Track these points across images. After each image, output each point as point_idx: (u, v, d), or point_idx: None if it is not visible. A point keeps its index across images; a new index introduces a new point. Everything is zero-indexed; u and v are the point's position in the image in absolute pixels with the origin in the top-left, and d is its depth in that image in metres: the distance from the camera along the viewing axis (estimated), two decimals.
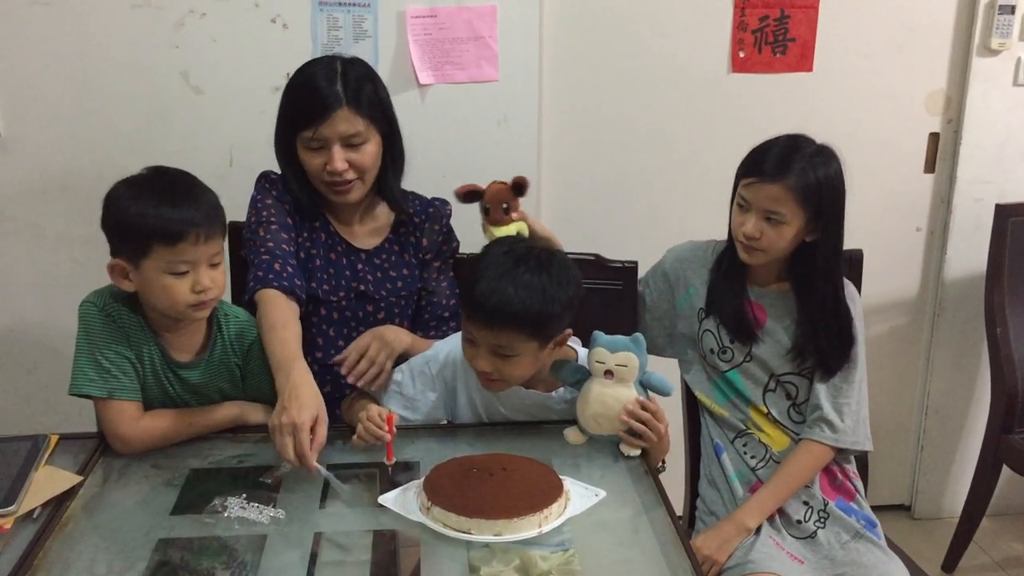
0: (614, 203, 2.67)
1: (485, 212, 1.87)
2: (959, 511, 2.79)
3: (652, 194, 2.68)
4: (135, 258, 1.60)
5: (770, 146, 1.83)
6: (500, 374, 1.66)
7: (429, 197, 2.07)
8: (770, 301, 1.93)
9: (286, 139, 1.90)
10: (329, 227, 1.98)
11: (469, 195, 1.88)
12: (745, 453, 1.95)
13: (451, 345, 1.82)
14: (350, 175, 1.87)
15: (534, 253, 1.65)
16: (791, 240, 1.83)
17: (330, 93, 1.82)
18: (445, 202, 2.08)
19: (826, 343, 1.88)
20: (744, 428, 1.96)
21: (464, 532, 1.40)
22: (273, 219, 1.90)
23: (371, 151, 1.88)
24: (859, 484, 1.98)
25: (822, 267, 1.86)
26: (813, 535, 1.88)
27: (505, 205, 1.85)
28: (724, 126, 2.62)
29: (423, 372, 1.82)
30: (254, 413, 1.77)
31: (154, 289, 1.61)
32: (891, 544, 1.92)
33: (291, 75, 1.91)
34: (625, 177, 2.65)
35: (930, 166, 2.77)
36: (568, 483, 1.53)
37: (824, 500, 1.90)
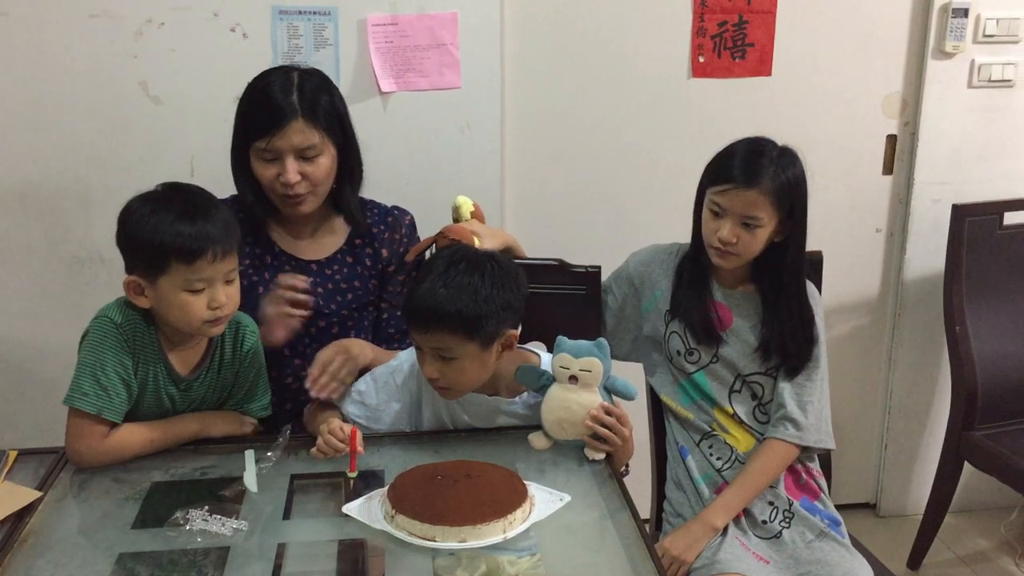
0: (577, 208, 2.68)
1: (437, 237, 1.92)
2: (923, 508, 2.81)
3: (615, 199, 2.69)
4: (151, 275, 1.60)
5: (734, 151, 1.85)
6: (447, 379, 1.66)
7: (388, 205, 2.06)
8: (735, 302, 1.95)
9: (240, 148, 1.88)
10: (274, 248, 1.96)
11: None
12: (711, 455, 1.97)
13: (416, 355, 1.82)
14: (303, 187, 1.85)
15: (469, 256, 1.66)
16: (764, 243, 1.86)
17: (285, 104, 1.81)
18: (404, 211, 2.07)
19: (791, 342, 1.90)
20: (709, 430, 1.97)
21: (429, 539, 1.40)
22: None
23: (325, 164, 1.87)
24: (823, 483, 2.00)
25: (790, 266, 1.89)
26: (778, 535, 1.89)
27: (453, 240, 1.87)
28: (686, 130, 2.64)
29: (387, 383, 1.81)
30: (216, 425, 1.75)
31: (171, 306, 1.61)
32: (855, 542, 1.95)
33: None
34: (588, 182, 2.67)
35: (888, 168, 2.80)
36: (533, 488, 1.53)
37: (789, 500, 1.92)
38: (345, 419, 1.75)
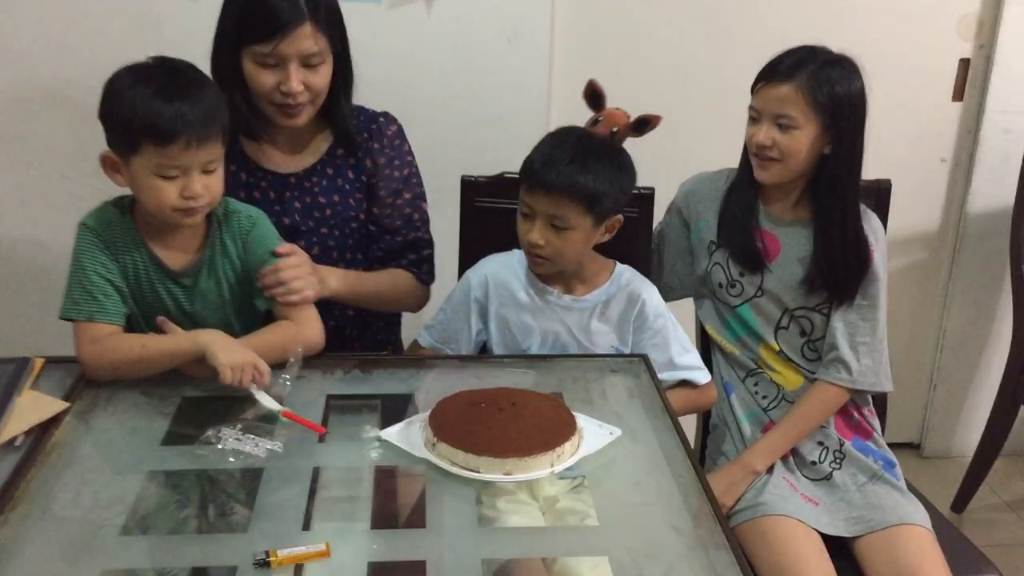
0: None
1: (593, 123, 1.77)
2: (969, 451, 2.75)
3: (673, 119, 2.53)
4: (125, 153, 1.50)
5: (786, 54, 1.74)
6: (551, 248, 1.64)
7: (375, 110, 1.90)
8: (784, 231, 1.84)
9: (230, 52, 1.72)
10: (248, 163, 1.83)
11: (594, 96, 1.79)
12: (756, 392, 1.88)
13: (480, 270, 1.78)
14: (304, 97, 1.71)
15: (598, 138, 1.69)
16: (806, 150, 1.72)
17: (292, 5, 1.65)
18: (392, 119, 1.90)
19: (841, 271, 1.79)
20: (754, 367, 1.88)
21: (472, 471, 1.32)
22: None
23: (326, 73, 1.73)
24: (876, 423, 1.92)
25: (832, 182, 1.76)
26: (828, 476, 1.81)
27: (615, 129, 1.73)
28: (747, 45, 2.46)
29: (464, 301, 1.77)
30: (224, 350, 1.50)
31: (141, 189, 1.51)
32: (909, 486, 1.86)
33: None
34: (643, 101, 2.51)
35: (958, 94, 2.65)
36: (581, 420, 1.45)
37: (840, 440, 1.84)
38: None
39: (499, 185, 1.98)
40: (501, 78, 2.41)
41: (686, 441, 1.45)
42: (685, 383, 1.77)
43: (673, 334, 1.77)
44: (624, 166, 1.68)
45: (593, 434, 1.44)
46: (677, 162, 2.03)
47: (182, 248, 1.62)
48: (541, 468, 1.33)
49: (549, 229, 1.64)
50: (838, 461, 1.82)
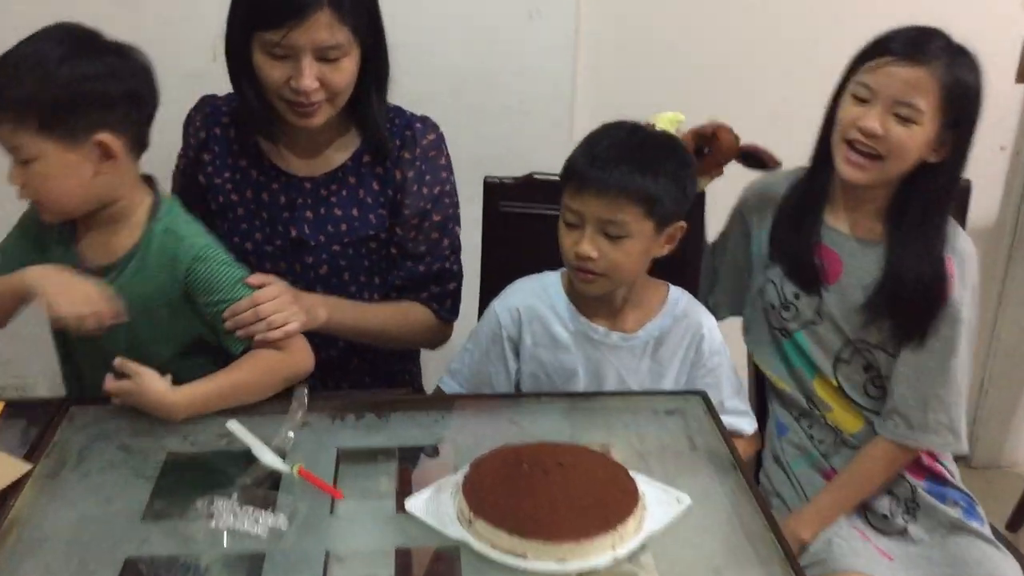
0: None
1: (700, 152, 1.59)
2: (1022, 461, 2.53)
3: (712, 106, 2.31)
4: None
5: (909, 31, 1.46)
6: (605, 262, 1.40)
7: (416, 114, 1.65)
8: (849, 250, 1.57)
9: (239, 37, 1.49)
10: (262, 161, 1.60)
11: (700, 143, 1.60)
12: (812, 437, 1.65)
13: (508, 302, 1.53)
14: (319, 96, 1.47)
15: (653, 131, 1.48)
16: (917, 151, 1.44)
17: None
18: (431, 124, 1.65)
19: (910, 305, 1.51)
20: (807, 406, 1.65)
21: (519, 555, 1.10)
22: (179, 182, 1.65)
23: (348, 68, 1.48)
24: (951, 465, 1.67)
25: (928, 199, 1.48)
26: (903, 532, 1.59)
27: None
28: (798, 26, 2.25)
29: (495, 340, 1.53)
30: (57, 293, 1.30)
31: None
32: (996, 532, 1.64)
33: None
34: (679, 86, 2.28)
35: (1022, 75, 2.40)
36: (642, 483, 1.22)
37: (911, 485, 1.61)
38: None
39: (528, 187, 1.75)
40: (520, 61, 2.17)
41: (766, 508, 1.22)
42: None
43: (727, 374, 1.55)
44: (685, 162, 1.45)
45: (657, 501, 1.20)
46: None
47: (108, 244, 1.41)
48: (601, 553, 1.10)
49: (602, 238, 1.40)
50: (911, 512, 1.60)
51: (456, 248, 1.68)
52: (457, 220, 1.68)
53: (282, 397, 1.38)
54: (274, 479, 1.24)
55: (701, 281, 1.74)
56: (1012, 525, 2.51)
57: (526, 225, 1.74)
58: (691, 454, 1.34)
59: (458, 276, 1.69)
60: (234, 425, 1.32)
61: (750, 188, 1.70)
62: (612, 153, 1.38)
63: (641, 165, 1.37)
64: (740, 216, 1.70)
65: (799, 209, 1.60)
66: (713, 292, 1.74)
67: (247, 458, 1.27)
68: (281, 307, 1.40)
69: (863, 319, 1.55)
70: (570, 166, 1.42)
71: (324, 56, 1.44)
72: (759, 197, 1.67)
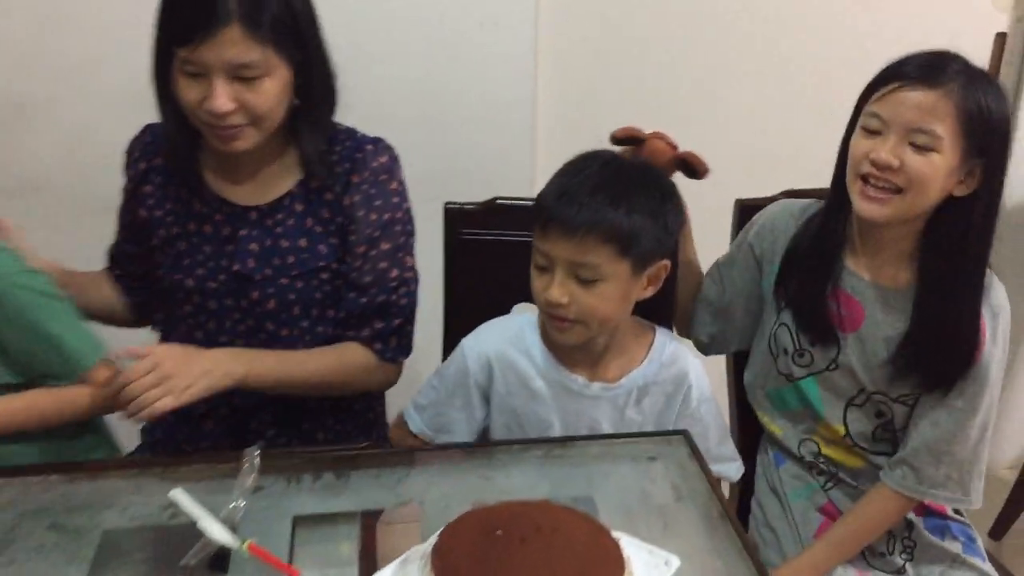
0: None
1: None
2: (1006, 466, 2.54)
3: (682, 118, 2.21)
4: None
5: (921, 55, 1.35)
6: (578, 308, 1.29)
7: (369, 136, 1.54)
8: (873, 298, 1.45)
9: (161, 59, 1.38)
10: (203, 191, 1.49)
11: (627, 141, 1.48)
12: (811, 469, 1.57)
13: (479, 347, 1.43)
14: (238, 119, 1.36)
15: (631, 161, 1.37)
16: (940, 182, 1.31)
17: (217, 1, 1.29)
18: (383, 147, 1.53)
19: (938, 362, 1.40)
20: (806, 436, 1.57)
21: None
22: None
23: (271, 89, 1.36)
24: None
25: (960, 237, 1.35)
26: (901, 570, 1.51)
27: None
28: (758, 28, 2.17)
29: (460, 384, 1.43)
30: None
31: None
32: (993, 559, 1.58)
33: None
34: (648, 97, 2.19)
35: (994, 72, 2.35)
36: (627, 546, 1.12)
37: (908, 521, 1.54)
38: None
39: (490, 213, 1.65)
40: (474, 72, 2.09)
41: (762, 568, 1.13)
42: None
43: (715, 421, 1.46)
44: (668, 195, 1.33)
45: (644, 565, 1.10)
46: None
47: None
48: None
49: (573, 282, 1.29)
50: (909, 552, 1.53)
51: (406, 280, 1.55)
52: (410, 250, 1.56)
53: (231, 460, 1.26)
54: (223, 556, 1.13)
55: (696, 309, 1.64)
56: (994, 533, 2.47)
57: (489, 252, 1.64)
58: (676, 506, 1.25)
59: (406, 311, 1.56)
60: (178, 494, 1.20)
61: (762, 217, 1.57)
62: (582, 188, 1.27)
63: (613, 199, 1.26)
64: (750, 246, 1.57)
65: (813, 253, 1.47)
66: (716, 322, 1.62)
67: (193, 532, 1.15)
68: (155, 381, 1.30)
69: (886, 374, 1.45)
70: (538, 202, 1.31)
71: (239, 75, 1.33)
72: (771, 231, 1.54)
